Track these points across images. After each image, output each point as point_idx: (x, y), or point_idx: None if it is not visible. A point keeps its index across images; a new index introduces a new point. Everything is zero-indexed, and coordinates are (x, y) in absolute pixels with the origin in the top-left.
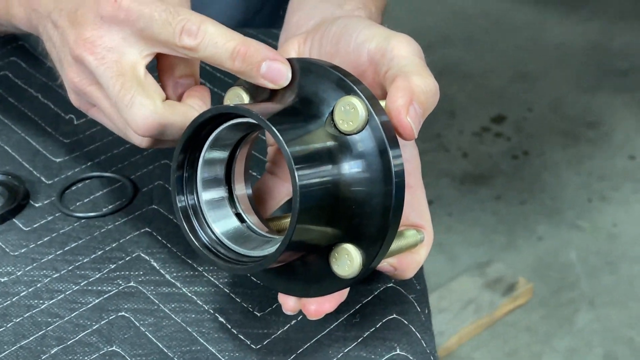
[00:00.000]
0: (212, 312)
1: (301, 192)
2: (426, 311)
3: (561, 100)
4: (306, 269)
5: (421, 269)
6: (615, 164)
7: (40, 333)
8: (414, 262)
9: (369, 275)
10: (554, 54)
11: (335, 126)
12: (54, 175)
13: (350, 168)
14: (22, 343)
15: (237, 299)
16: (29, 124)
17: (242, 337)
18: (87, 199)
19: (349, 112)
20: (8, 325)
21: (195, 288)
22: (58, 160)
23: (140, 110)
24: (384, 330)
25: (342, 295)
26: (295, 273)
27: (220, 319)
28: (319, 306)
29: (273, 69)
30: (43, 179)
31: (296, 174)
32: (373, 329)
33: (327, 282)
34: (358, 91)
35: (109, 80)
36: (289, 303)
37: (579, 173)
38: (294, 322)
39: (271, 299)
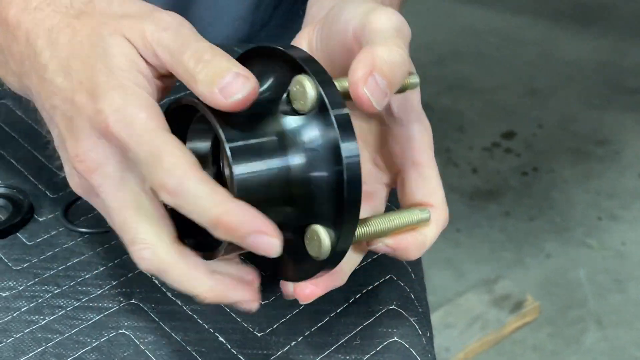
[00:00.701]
0: (212, 331)
1: (237, 180)
2: (427, 334)
3: (571, 118)
4: (290, 251)
5: (424, 294)
6: (625, 182)
7: (39, 349)
8: (416, 241)
9: (371, 297)
10: (565, 71)
11: (290, 105)
12: (58, 190)
13: (303, 150)
14: (21, 359)
15: (238, 319)
16: (36, 137)
17: (241, 358)
18: (91, 214)
19: (299, 92)
20: (8, 341)
21: (196, 306)
22: (63, 174)
23: (142, 253)
24: (385, 354)
25: (334, 280)
26: (283, 256)
27: (221, 338)
28: (310, 292)
29: (259, 242)
30: (48, 193)
31: (227, 149)
32: (373, 351)
33: (306, 265)
34: (307, 70)
35: (112, 212)
36: (288, 289)
37: (588, 191)
38: (294, 343)
39: (272, 319)
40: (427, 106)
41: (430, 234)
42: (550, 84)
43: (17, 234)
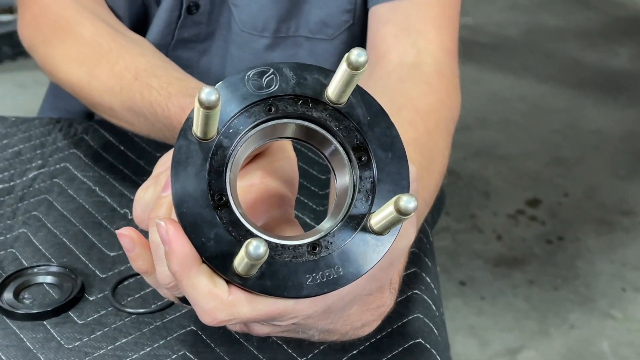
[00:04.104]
0: None
1: None
2: None
3: (597, 187)
4: None
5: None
6: None
7: None
8: None
9: None
10: (591, 140)
11: None
12: (107, 269)
13: None
14: None
15: None
16: (86, 216)
17: None
18: (138, 295)
19: None
20: None
21: None
22: (112, 254)
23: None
24: None
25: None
26: None
27: None
28: None
29: None
30: (97, 272)
31: None
32: None
33: None
34: None
35: None
36: None
37: (613, 261)
38: None
39: None
40: (453, 172)
41: None
42: (576, 152)
43: (69, 312)
